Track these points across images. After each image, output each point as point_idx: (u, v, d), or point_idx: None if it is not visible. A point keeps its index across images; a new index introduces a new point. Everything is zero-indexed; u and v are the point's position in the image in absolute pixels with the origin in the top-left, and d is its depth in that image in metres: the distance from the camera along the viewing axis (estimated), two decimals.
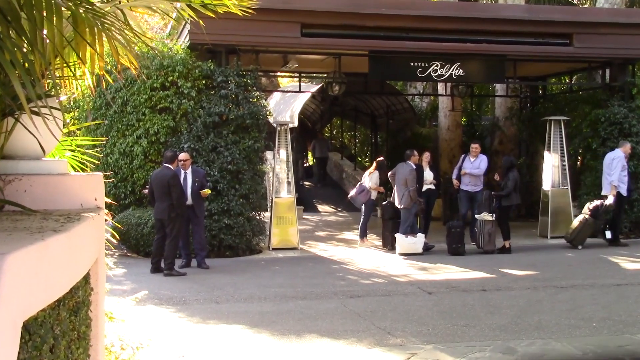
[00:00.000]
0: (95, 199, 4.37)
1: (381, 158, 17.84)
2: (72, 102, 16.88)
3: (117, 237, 5.97)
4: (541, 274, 13.01)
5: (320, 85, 23.01)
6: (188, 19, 4.92)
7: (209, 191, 13.52)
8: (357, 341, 8.25)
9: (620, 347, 7.81)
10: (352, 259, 14.82)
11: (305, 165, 33.37)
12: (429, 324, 9.09)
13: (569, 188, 17.68)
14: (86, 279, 3.91)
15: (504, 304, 10.26)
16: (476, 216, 15.51)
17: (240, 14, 4.60)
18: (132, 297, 6.29)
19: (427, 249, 15.33)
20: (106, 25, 3.50)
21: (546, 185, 17.89)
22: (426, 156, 16.74)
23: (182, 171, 13.46)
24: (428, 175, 16.59)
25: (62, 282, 3.13)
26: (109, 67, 14.82)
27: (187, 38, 15.51)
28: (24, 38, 3.24)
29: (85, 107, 16.79)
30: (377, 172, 16.61)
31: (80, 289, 3.71)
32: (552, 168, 17.82)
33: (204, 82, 15.36)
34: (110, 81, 7.06)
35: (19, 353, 2.58)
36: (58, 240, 2.99)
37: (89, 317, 3.99)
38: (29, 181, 4.10)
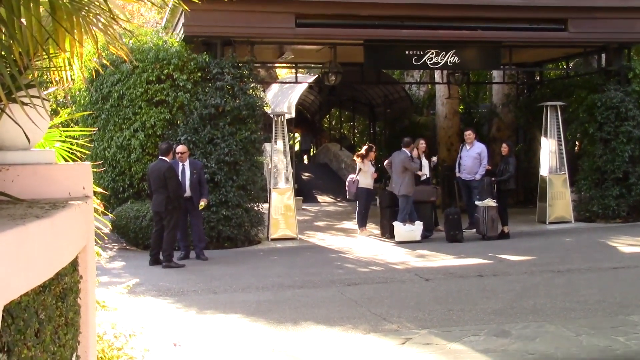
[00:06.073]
0: (84, 188, 4.40)
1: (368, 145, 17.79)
2: (69, 97, 16.95)
3: (111, 226, 5.99)
4: (538, 258, 13.03)
5: (317, 76, 23.01)
6: (172, 5, 4.94)
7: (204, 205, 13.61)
8: (352, 327, 8.30)
9: (613, 328, 7.85)
10: (350, 248, 14.86)
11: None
12: (425, 309, 9.13)
13: (567, 173, 17.70)
14: (74, 266, 3.95)
15: (500, 289, 10.30)
16: (477, 202, 15.44)
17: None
18: (123, 286, 6.34)
19: (425, 236, 15.33)
20: (84, 11, 3.53)
21: (544, 170, 17.91)
22: (422, 145, 16.65)
23: (180, 163, 13.48)
24: (425, 164, 16.49)
25: (45, 267, 3.16)
26: (103, 61, 14.92)
27: (182, 31, 15.52)
28: (2, 28, 3.27)
29: (82, 101, 16.84)
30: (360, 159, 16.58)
31: (67, 275, 3.74)
32: (549, 154, 17.85)
33: (199, 74, 15.39)
34: (101, 70, 7.07)
35: (1, 335, 2.62)
36: (40, 225, 3.02)
37: (78, 304, 4.02)
38: (16, 171, 4.14)
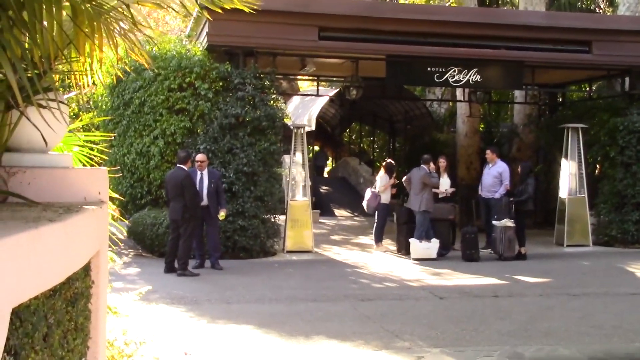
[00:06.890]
0: (99, 193, 4.40)
1: (389, 160, 17.83)
2: (91, 103, 17.04)
3: (127, 233, 5.98)
4: (555, 281, 12.93)
5: (338, 89, 23.01)
6: (196, 14, 4.95)
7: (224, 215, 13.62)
8: (364, 343, 8.24)
9: (629, 355, 7.75)
10: (365, 263, 14.80)
11: None
12: (438, 328, 9.06)
13: (586, 196, 17.55)
14: (86, 270, 3.94)
15: (515, 310, 10.22)
16: (495, 222, 15.33)
17: (247, 10, 4.61)
18: (136, 292, 6.32)
19: (441, 254, 15.23)
20: (105, 16, 3.53)
21: (563, 193, 17.78)
22: (442, 162, 16.63)
23: (198, 172, 13.49)
24: (445, 182, 16.47)
25: (56, 271, 3.15)
26: (125, 67, 14.99)
27: (205, 40, 15.58)
28: (24, 31, 3.27)
29: (104, 107, 16.94)
30: (385, 175, 16.53)
31: (79, 280, 3.73)
32: (569, 176, 17.71)
33: (221, 83, 15.42)
34: (122, 76, 7.10)
35: (9, 338, 2.60)
36: (52, 229, 3.01)
37: (88, 309, 4.01)
38: (33, 174, 4.14)
